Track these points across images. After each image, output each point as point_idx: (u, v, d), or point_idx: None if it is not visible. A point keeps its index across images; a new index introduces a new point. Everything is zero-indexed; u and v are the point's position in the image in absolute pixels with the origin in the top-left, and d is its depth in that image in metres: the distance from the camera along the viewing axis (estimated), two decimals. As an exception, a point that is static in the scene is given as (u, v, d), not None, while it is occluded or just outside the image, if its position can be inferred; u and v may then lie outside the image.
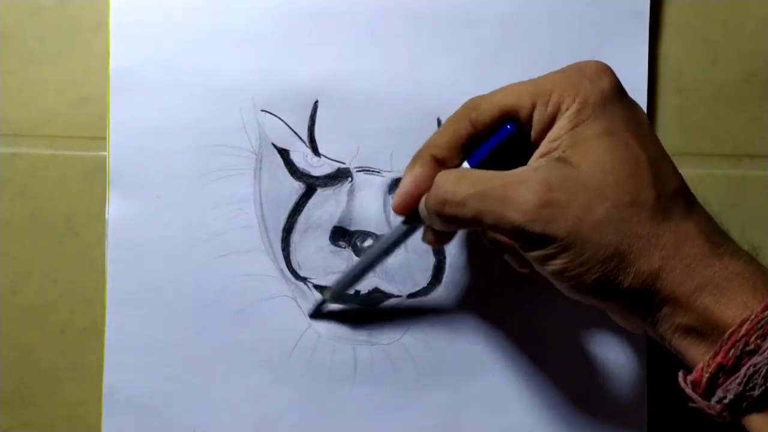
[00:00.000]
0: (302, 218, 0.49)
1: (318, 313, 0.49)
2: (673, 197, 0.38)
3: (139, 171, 0.49)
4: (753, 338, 0.35)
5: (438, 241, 0.44)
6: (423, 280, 0.49)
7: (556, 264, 0.38)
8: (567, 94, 0.39)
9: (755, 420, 0.36)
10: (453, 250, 0.49)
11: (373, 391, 0.49)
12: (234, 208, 0.49)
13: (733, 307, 0.36)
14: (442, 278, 0.49)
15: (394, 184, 0.49)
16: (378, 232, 0.48)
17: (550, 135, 0.39)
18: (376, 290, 0.49)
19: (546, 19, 0.49)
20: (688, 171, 0.49)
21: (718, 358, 0.36)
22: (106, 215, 0.49)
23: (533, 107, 0.39)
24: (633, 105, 0.40)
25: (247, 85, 0.48)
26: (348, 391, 0.49)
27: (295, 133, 0.49)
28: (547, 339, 0.49)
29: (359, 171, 0.49)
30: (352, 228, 0.49)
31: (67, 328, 0.51)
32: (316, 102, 0.49)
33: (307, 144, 0.49)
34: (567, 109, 0.38)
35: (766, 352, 0.35)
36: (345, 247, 0.49)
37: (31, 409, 0.51)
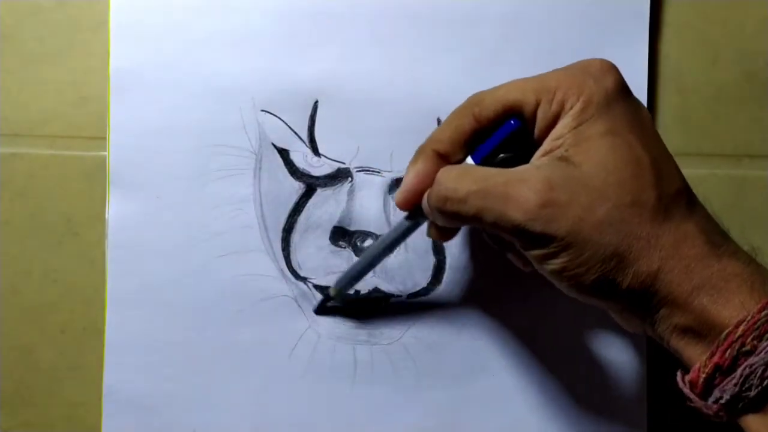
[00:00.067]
0: (302, 218, 0.49)
1: (323, 309, 0.49)
2: (675, 198, 0.38)
3: (139, 171, 0.49)
4: (749, 339, 0.35)
5: (442, 236, 0.44)
6: (423, 280, 0.49)
7: (556, 263, 0.38)
8: (571, 92, 0.39)
9: (752, 420, 0.36)
10: (453, 250, 0.49)
11: (373, 391, 0.49)
12: (234, 208, 0.49)
13: (731, 308, 0.36)
14: (442, 278, 0.49)
15: (394, 184, 0.49)
16: (378, 232, 0.48)
17: (554, 133, 0.39)
18: (376, 290, 0.49)
19: (546, 19, 0.49)
20: (688, 171, 0.49)
21: (715, 359, 0.36)
22: (106, 215, 0.49)
23: (537, 104, 0.39)
24: (637, 104, 0.40)
25: (247, 85, 0.48)
26: (348, 391, 0.49)
27: (295, 133, 0.49)
28: (547, 339, 0.49)
29: (359, 171, 0.49)
30: (352, 228, 0.49)
31: (67, 328, 0.51)
32: (316, 102, 0.49)
33: (307, 144, 0.49)
34: (571, 108, 0.38)
35: (762, 353, 0.35)
36: (345, 247, 0.49)
37: (31, 409, 0.51)
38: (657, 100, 0.50)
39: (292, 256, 0.49)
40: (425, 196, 0.41)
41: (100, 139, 0.50)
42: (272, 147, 0.49)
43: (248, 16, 0.48)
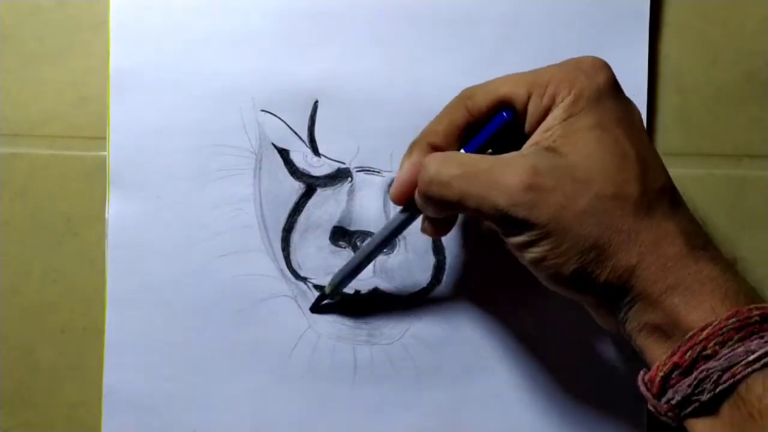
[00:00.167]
0: (302, 218, 0.49)
1: (318, 308, 0.49)
2: (658, 195, 0.38)
3: (139, 171, 0.49)
4: (712, 343, 0.35)
5: (435, 230, 0.44)
6: (423, 280, 0.49)
7: (536, 252, 0.38)
8: (563, 86, 0.39)
9: (697, 424, 0.36)
10: (453, 249, 0.49)
11: (373, 391, 0.49)
12: (234, 208, 0.49)
13: (701, 311, 0.36)
14: (442, 278, 0.49)
15: (394, 183, 0.49)
16: (378, 232, 0.48)
17: (543, 125, 0.39)
18: (376, 290, 0.49)
19: (546, 20, 0.49)
20: (688, 171, 0.50)
21: (675, 358, 0.36)
22: (106, 215, 0.49)
23: (528, 97, 0.40)
24: (627, 102, 0.40)
25: (247, 85, 0.48)
26: (348, 391, 0.49)
27: (295, 133, 0.49)
28: (547, 338, 0.49)
29: (359, 171, 0.49)
30: (352, 228, 0.49)
31: (67, 328, 0.51)
32: (316, 102, 0.49)
33: (307, 144, 0.49)
34: (562, 101, 0.39)
35: (721, 359, 0.34)
36: (345, 247, 0.49)
37: (31, 409, 0.51)
38: (657, 100, 0.50)
39: (292, 256, 0.49)
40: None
41: (100, 139, 0.50)
42: (272, 147, 0.49)
43: (248, 16, 0.48)
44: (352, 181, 0.49)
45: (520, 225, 0.38)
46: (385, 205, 0.49)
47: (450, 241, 0.49)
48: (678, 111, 0.50)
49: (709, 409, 0.35)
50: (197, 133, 0.49)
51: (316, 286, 0.49)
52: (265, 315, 0.49)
